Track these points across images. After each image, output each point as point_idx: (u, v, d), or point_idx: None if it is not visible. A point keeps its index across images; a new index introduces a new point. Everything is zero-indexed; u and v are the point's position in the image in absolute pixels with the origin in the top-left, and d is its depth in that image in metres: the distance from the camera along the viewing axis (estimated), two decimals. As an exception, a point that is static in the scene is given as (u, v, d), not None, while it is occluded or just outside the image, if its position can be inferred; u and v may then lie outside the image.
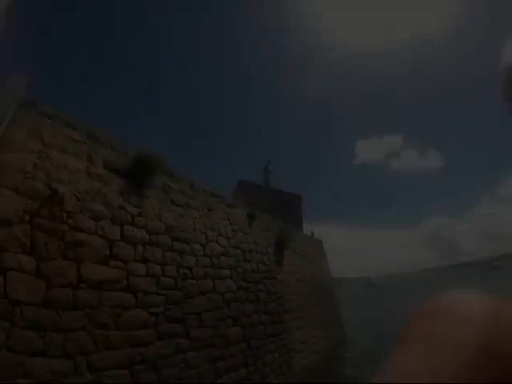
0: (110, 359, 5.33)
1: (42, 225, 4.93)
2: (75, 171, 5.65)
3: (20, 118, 5.07)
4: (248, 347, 8.72)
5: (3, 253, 4.39)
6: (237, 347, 8.30)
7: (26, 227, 4.72)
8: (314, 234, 19.46)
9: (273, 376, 9.42)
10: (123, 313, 5.77)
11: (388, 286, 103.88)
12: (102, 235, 5.79)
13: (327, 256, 20.46)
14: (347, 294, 56.50)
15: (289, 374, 10.30)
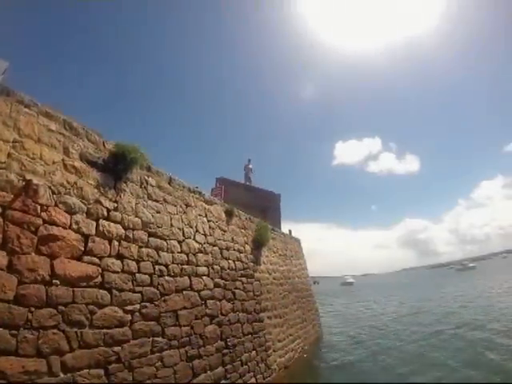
0: (85, 358, 5.16)
1: (15, 218, 4.70)
2: (51, 163, 5.40)
3: (-5, 106, 4.84)
4: (225, 346, 8.64)
5: (-28, 246, 4.20)
6: (214, 346, 8.21)
7: (-3, 220, 4.51)
8: (291, 232, 19.54)
9: (250, 375, 9.38)
10: (98, 310, 5.60)
11: (363, 284, 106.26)
12: (76, 230, 5.59)
13: (305, 255, 20.60)
14: (321, 292, 57.24)
15: (266, 372, 10.28)
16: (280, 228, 18.63)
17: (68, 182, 5.64)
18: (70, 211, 5.57)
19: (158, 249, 7.34)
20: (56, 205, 5.34)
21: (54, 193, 5.34)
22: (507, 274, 59.43)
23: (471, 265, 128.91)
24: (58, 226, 5.27)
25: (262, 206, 18.29)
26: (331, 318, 26.93)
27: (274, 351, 11.27)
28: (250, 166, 21.96)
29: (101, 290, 5.76)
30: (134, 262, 6.61)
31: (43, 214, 5.10)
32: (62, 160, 5.64)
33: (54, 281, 5.00)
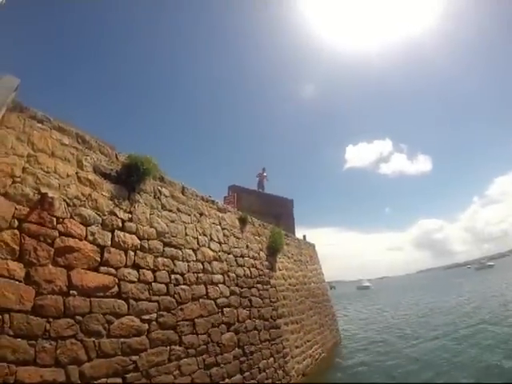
0: (103, 368, 5.20)
1: (31, 230, 4.80)
2: (65, 176, 5.52)
3: (9, 121, 4.95)
4: (242, 353, 8.63)
5: (-9, 259, 4.29)
6: (231, 353, 8.21)
7: (14, 233, 4.60)
8: (306, 238, 19.45)
9: (268, 382, 9.33)
10: (115, 320, 5.65)
11: (379, 287, 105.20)
12: (92, 241, 5.67)
13: (320, 260, 20.45)
14: (338, 297, 57.09)
15: (284, 379, 10.22)
16: (294, 234, 18.55)
17: (82, 195, 5.74)
18: (86, 223, 5.66)
19: (173, 258, 7.38)
20: (71, 217, 5.44)
21: (69, 205, 5.44)
22: None
23: (489, 263, 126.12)
24: (73, 237, 5.36)
25: (275, 213, 18.23)
26: (349, 322, 26.91)
27: (291, 358, 11.20)
28: (265, 174, 21.93)
29: (118, 300, 5.81)
30: (149, 272, 6.66)
31: (59, 226, 5.20)
32: (76, 173, 5.76)
33: (71, 291, 5.07)
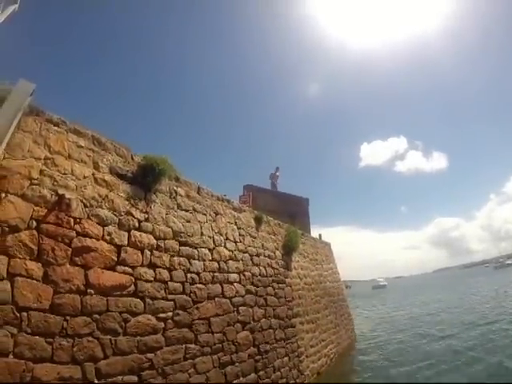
0: (119, 365, 5.29)
1: (49, 231, 4.93)
2: (81, 177, 5.65)
3: (26, 125, 5.09)
4: (257, 352, 8.66)
5: (11, 259, 4.40)
6: (246, 352, 8.25)
7: (33, 233, 4.72)
8: (321, 237, 19.37)
9: (283, 381, 9.35)
10: (131, 318, 5.74)
11: (395, 287, 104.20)
12: (109, 241, 5.78)
13: (335, 259, 20.36)
14: (354, 295, 56.97)
15: (299, 378, 10.22)
16: (309, 233, 18.52)
17: (99, 195, 5.86)
18: (103, 223, 5.77)
19: (189, 257, 7.46)
20: (88, 217, 5.56)
21: (86, 206, 5.56)
22: None
23: (508, 262, 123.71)
24: (91, 237, 5.48)
25: (290, 212, 18.17)
26: (364, 321, 26.81)
27: (306, 357, 11.20)
28: (278, 174, 21.88)
29: (134, 299, 5.90)
30: (166, 271, 6.74)
31: (76, 227, 5.32)
32: (93, 174, 5.88)
33: (88, 290, 5.18)
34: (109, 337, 5.29)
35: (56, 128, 5.55)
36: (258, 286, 9.66)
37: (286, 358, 9.87)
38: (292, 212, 18.54)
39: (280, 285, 10.98)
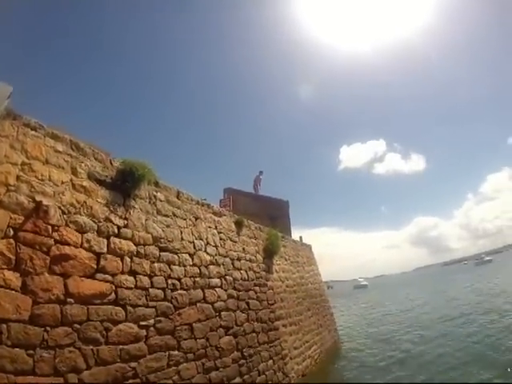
0: (102, 375, 5.18)
1: (27, 239, 4.78)
2: (59, 183, 5.49)
3: (3, 130, 4.91)
4: (241, 356, 8.62)
5: (-13, 269, 4.27)
6: (230, 357, 8.19)
7: (10, 242, 4.57)
8: (302, 239, 19.47)
9: (268, 384, 9.33)
10: (113, 327, 5.63)
11: (376, 286, 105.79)
12: (88, 248, 5.64)
13: (317, 260, 20.51)
14: (335, 295, 57.79)
15: (284, 380, 10.22)
16: (290, 235, 18.62)
17: (77, 202, 5.71)
18: (81, 230, 5.63)
19: (169, 263, 7.37)
20: (67, 224, 5.41)
21: (64, 213, 5.41)
22: None
23: (488, 258, 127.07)
24: (69, 245, 5.34)
25: (270, 215, 18.28)
26: (348, 321, 27.40)
27: (290, 359, 11.20)
28: (261, 178, 21.90)
29: (115, 307, 5.79)
30: (146, 278, 6.64)
31: (54, 234, 5.17)
32: (71, 180, 5.73)
33: (68, 299, 5.05)
34: (91, 347, 5.17)
35: (33, 132, 5.38)
36: (239, 290, 9.63)
37: (270, 361, 9.85)
38: (273, 215, 18.64)
39: (262, 288, 10.96)
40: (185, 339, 7.07)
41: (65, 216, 5.42)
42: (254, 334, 9.58)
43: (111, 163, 6.76)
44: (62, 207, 5.42)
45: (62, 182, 5.56)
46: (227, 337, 8.41)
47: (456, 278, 66.04)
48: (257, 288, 10.64)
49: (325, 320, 17.61)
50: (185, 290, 7.55)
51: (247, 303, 9.79)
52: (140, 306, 6.28)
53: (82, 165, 6.07)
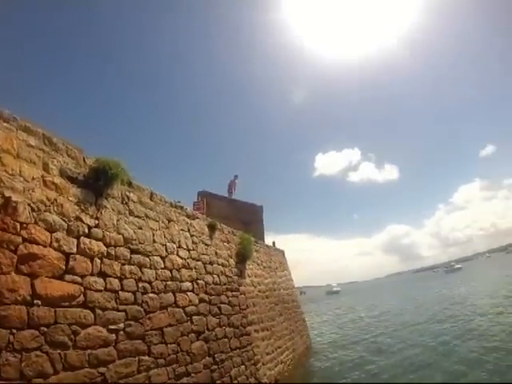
0: (70, 380, 4.98)
1: (-6, 236, 4.54)
2: (30, 179, 5.24)
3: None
4: (213, 361, 8.51)
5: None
6: (201, 362, 8.07)
7: (-25, 239, 4.35)
8: (275, 244, 19.53)
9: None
10: (81, 331, 5.43)
11: (348, 291, 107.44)
12: (57, 248, 5.42)
13: (290, 266, 20.63)
14: (307, 301, 58.69)
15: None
16: (264, 240, 18.70)
17: (48, 199, 5.48)
18: (51, 229, 5.40)
19: (140, 265, 7.20)
20: (36, 222, 5.18)
21: (33, 210, 5.17)
22: (494, 271, 61.30)
23: (457, 266, 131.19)
24: (38, 244, 5.11)
25: (244, 219, 18.35)
26: (321, 326, 28.19)
27: (263, 364, 11.16)
28: (236, 182, 21.86)
29: (84, 310, 5.59)
30: (116, 280, 6.46)
31: (23, 232, 4.93)
32: (42, 176, 5.48)
33: (35, 301, 4.83)
34: (58, 351, 4.96)
35: (6, 124, 5.11)
36: (211, 295, 9.53)
37: (242, 367, 9.77)
38: (246, 219, 18.68)
39: (234, 293, 10.89)
40: (155, 344, 6.91)
41: (34, 213, 5.18)
42: (226, 340, 9.49)
43: (84, 160, 6.53)
44: (32, 204, 5.17)
45: (33, 178, 5.31)
46: (199, 342, 8.29)
47: (426, 285, 67.84)
48: (229, 293, 10.56)
49: (297, 325, 17.70)
50: (156, 293, 7.40)
51: (219, 308, 9.70)
52: (109, 309, 6.10)
53: (55, 161, 5.82)
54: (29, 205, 5.12)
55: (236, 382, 9.12)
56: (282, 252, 20.06)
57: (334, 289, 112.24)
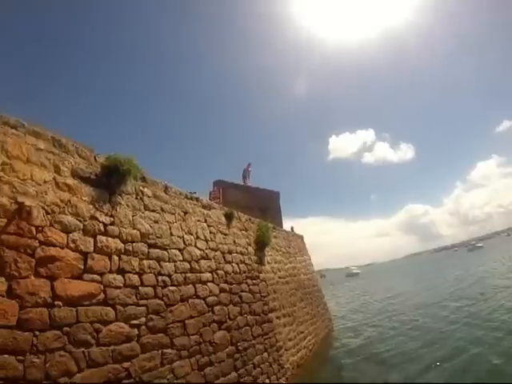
0: (95, 377, 5.07)
1: (11, 242, 4.60)
2: (42, 182, 5.28)
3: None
4: (236, 350, 8.56)
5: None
6: (224, 352, 8.12)
7: (-7, 246, 4.42)
8: (293, 229, 19.49)
9: (264, 377, 9.32)
10: (103, 328, 5.50)
11: (367, 274, 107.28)
12: (74, 248, 5.48)
13: (309, 249, 20.57)
14: (327, 285, 58.82)
15: (280, 372, 10.22)
16: (281, 226, 18.66)
17: (61, 201, 5.52)
18: (66, 230, 5.46)
19: (159, 259, 7.23)
20: (51, 225, 5.23)
21: (47, 213, 5.23)
22: None
23: (479, 245, 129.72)
24: (55, 246, 5.17)
25: (261, 206, 18.30)
26: (338, 306, 28.83)
27: (285, 350, 11.21)
28: (250, 169, 21.78)
29: (104, 307, 5.66)
30: (135, 276, 6.50)
31: (39, 236, 5.00)
32: (54, 178, 5.52)
33: (56, 302, 4.91)
34: (81, 349, 5.05)
35: (13, 131, 5.15)
36: (231, 284, 9.56)
37: (265, 354, 9.82)
38: (263, 206, 18.64)
39: (254, 281, 10.91)
40: (177, 336, 6.96)
41: (49, 216, 5.24)
42: (248, 328, 9.52)
43: (95, 159, 6.55)
44: (46, 207, 5.23)
45: (45, 181, 5.35)
46: (221, 331, 8.33)
47: (447, 265, 66.62)
48: (249, 281, 10.58)
49: (318, 310, 17.71)
50: (176, 286, 7.43)
51: (240, 296, 9.72)
52: (130, 304, 6.15)
53: (65, 162, 5.85)
54: (43, 208, 5.17)
55: (259, 369, 9.19)
56: (301, 237, 20.01)
57: (354, 271, 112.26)
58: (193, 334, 7.39)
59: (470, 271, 40.49)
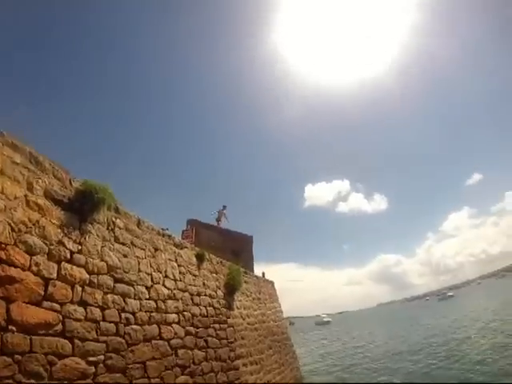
0: (42, 415, 4.66)
1: (-31, 257, 4.32)
2: (12, 198, 5.05)
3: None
4: (199, 398, 8.09)
5: None
6: (186, 398, 7.67)
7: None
8: (265, 275, 19.29)
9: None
10: (58, 361, 5.15)
11: (339, 322, 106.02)
12: (36, 272, 5.17)
13: (280, 296, 20.30)
14: (296, 332, 58.33)
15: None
16: (253, 270, 18.56)
17: (30, 220, 5.27)
18: (31, 252, 5.17)
19: (124, 295, 6.94)
20: (15, 244, 4.95)
21: (13, 230, 4.96)
22: (486, 300, 60.88)
23: (450, 294, 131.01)
24: (16, 266, 4.87)
25: (234, 249, 18.26)
26: (310, 357, 28.25)
27: (251, 400, 10.69)
28: (225, 212, 21.72)
29: (61, 339, 5.32)
30: (98, 310, 6.19)
31: (1, 253, 4.71)
32: (25, 196, 5.30)
33: (10, 327, 4.57)
34: (32, 381, 4.67)
35: (-11, 140, 4.97)
36: (198, 327, 9.26)
37: (230, 403, 9.32)
38: (236, 249, 18.56)
39: (222, 325, 10.60)
40: (137, 378, 6.61)
41: (14, 234, 4.97)
42: (213, 374, 9.16)
43: (71, 183, 6.39)
44: (13, 224, 4.96)
45: (16, 197, 5.12)
46: (183, 376, 7.96)
47: (417, 314, 66.85)
48: (216, 325, 10.30)
49: (287, 358, 17.21)
50: (139, 325, 7.13)
51: (206, 341, 9.41)
52: (89, 340, 5.83)
53: (39, 181, 5.66)
54: (9, 224, 4.91)
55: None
56: (272, 283, 19.78)
57: (325, 319, 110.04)
58: (154, 377, 7.01)
59: (436, 322, 41.57)
